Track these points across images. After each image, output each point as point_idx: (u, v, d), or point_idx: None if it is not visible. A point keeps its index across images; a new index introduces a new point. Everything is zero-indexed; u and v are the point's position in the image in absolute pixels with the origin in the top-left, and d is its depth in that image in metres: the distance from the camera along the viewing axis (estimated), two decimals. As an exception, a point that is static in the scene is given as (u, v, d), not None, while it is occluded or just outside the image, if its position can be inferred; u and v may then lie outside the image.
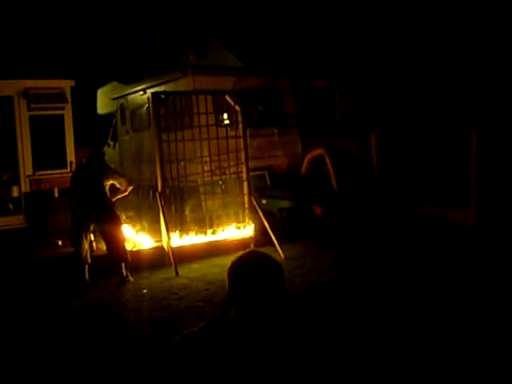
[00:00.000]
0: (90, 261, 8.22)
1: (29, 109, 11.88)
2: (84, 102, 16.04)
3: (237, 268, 2.10)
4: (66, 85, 12.47)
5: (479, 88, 11.33)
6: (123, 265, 8.16)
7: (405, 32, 13.18)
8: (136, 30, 19.99)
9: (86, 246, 8.18)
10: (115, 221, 8.19)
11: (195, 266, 8.77)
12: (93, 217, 8.10)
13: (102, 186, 8.12)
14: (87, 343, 5.75)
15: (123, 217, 8.80)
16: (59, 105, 12.33)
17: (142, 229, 10.42)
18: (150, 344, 5.38)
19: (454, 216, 10.33)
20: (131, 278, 8.21)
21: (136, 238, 9.96)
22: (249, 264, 2.10)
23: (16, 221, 11.58)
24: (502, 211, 9.63)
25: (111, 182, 8.26)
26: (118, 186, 8.35)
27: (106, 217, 8.08)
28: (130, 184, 8.47)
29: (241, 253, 2.16)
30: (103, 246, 8.57)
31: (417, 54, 12.83)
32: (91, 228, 8.28)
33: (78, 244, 8.13)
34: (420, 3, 13.45)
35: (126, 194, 8.47)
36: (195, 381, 1.99)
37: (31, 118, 11.96)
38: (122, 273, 8.14)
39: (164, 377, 2.10)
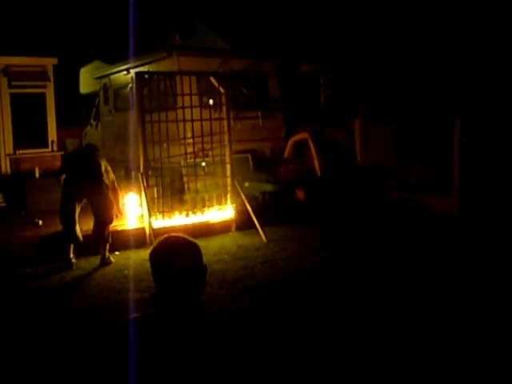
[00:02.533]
0: (82, 240, 8.08)
1: (10, 86, 11.73)
2: (66, 80, 15.86)
3: (154, 253, 2.20)
4: (49, 63, 12.32)
5: (463, 76, 11.36)
6: (107, 246, 8.12)
7: (390, 17, 13.16)
8: (120, 8, 19.73)
9: (78, 225, 8.03)
10: (107, 198, 8.07)
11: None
12: (86, 188, 7.91)
13: (100, 167, 8.04)
14: (62, 324, 5.73)
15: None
16: (41, 83, 12.18)
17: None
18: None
19: (435, 202, 10.40)
20: (112, 259, 8.18)
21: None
22: (165, 248, 2.19)
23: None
24: (483, 198, 9.72)
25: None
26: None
27: (98, 191, 7.97)
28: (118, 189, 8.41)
29: (160, 238, 2.25)
30: (84, 226, 8.47)
31: (402, 40, 12.81)
32: (82, 202, 8.07)
33: (69, 221, 7.92)
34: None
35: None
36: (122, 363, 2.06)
37: (12, 95, 11.81)
38: (105, 254, 8.10)
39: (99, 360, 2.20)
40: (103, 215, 8.05)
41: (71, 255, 8.05)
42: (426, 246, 8.23)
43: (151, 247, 2.23)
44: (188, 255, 2.18)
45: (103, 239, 8.08)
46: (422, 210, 10.33)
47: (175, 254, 2.16)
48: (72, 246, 8.06)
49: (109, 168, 8.30)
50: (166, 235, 2.27)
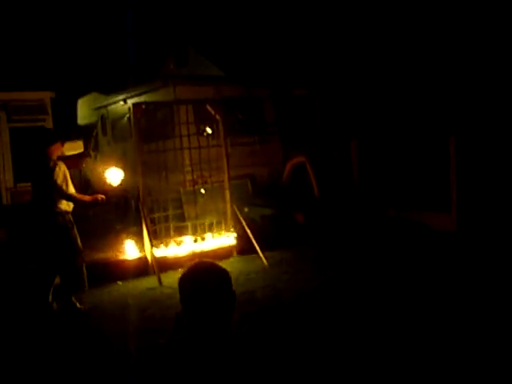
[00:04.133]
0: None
1: (9, 121, 11.85)
2: (64, 112, 15.99)
3: (185, 279, 2.22)
4: (46, 96, 12.47)
5: (457, 95, 11.47)
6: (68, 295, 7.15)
7: (383, 38, 13.31)
8: (116, 39, 19.99)
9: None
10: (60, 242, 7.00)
11: (178, 275, 8.72)
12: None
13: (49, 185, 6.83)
14: (64, 353, 5.76)
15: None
16: (40, 116, 12.31)
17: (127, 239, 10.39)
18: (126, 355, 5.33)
19: (434, 220, 10.44)
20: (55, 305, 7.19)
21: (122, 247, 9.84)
22: (195, 275, 2.21)
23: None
24: (482, 215, 9.77)
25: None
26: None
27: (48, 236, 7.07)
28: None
29: (190, 264, 2.26)
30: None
31: (396, 60, 12.96)
32: None
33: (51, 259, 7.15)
34: (395, 11, 13.59)
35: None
36: None
37: (11, 130, 11.92)
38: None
39: None
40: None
41: (50, 297, 7.14)
42: (426, 264, 8.25)
43: (181, 273, 2.24)
44: (219, 282, 2.19)
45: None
46: (420, 228, 10.37)
47: (206, 281, 2.16)
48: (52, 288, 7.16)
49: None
50: (196, 260, 2.28)
